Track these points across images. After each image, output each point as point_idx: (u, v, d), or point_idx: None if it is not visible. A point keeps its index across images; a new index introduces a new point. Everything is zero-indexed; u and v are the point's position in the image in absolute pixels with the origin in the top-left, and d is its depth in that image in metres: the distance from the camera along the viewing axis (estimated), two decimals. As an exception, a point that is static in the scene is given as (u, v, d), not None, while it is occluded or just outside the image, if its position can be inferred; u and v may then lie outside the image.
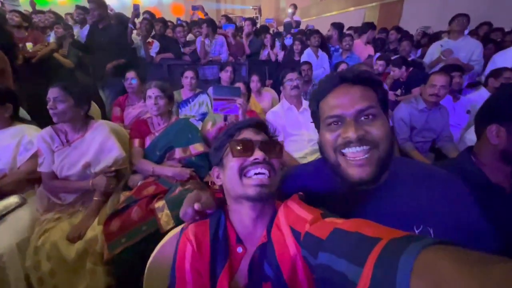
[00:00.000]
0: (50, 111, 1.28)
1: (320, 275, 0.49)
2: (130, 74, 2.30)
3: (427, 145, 2.11)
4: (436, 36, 3.83)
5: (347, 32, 4.26)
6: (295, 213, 0.62)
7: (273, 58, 3.81)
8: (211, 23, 3.46)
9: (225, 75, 2.66)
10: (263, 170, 0.63)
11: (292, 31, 5.20)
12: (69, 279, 1.18)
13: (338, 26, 3.90)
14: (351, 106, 0.60)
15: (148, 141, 1.60)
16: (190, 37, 4.29)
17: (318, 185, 0.72)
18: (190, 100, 2.50)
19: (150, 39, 3.49)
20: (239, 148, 0.65)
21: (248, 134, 0.68)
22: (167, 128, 1.63)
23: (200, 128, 1.86)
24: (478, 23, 3.88)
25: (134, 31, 3.49)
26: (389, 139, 0.60)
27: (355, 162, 0.60)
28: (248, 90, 1.96)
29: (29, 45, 3.09)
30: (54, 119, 1.30)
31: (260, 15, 9.81)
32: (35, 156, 1.36)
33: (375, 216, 0.56)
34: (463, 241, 0.37)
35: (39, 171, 1.34)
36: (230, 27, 3.79)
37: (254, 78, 2.67)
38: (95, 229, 1.24)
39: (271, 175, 0.63)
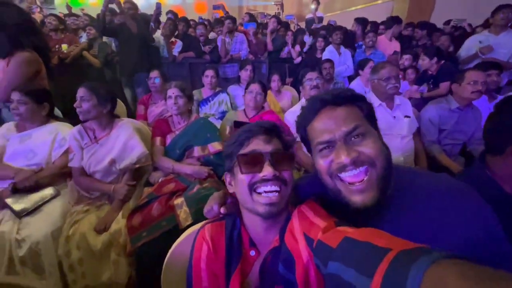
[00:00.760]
0: (77, 110, 1.38)
1: (330, 285, 0.49)
2: (154, 74, 2.39)
3: (457, 148, 1.98)
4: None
5: (371, 27, 4.06)
6: (310, 220, 0.61)
7: (294, 55, 3.76)
8: (231, 20, 3.49)
9: (245, 74, 2.67)
10: (273, 188, 0.61)
11: (314, 27, 5.08)
12: (95, 268, 1.26)
13: (361, 21, 3.75)
14: (337, 129, 0.59)
15: (168, 139, 1.66)
16: (212, 35, 4.36)
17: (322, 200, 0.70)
18: (210, 98, 2.55)
19: (173, 39, 3.60)
20: (247, 163, 0.63)
21: (257, 144, 0.65)
22: (187, 127, 1.68)
23: (219, 127, 1.89)
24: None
25: (158, 31, 3.62)
26: (384, 155, 0.58)
27: (355, 188, 0.57)
28: (264, 89, 1.95)
29: (64, 46, 3.33)
30: (80, 117, 1.40)
31: (282, 11, 9.70)
32: (67, 151, 1.47)
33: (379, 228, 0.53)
34: (482, 260, 0.35)
35: (69, 166, 1.45)
36: (252, 25, 3.79)
37: (275, 77, 2.66)
38: (119, 223, 1.32)
39: (281, 189, 0.62)
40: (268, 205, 0.60)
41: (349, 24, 4.30)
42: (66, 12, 5.18)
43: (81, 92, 1.38)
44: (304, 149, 1.83)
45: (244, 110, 2.00)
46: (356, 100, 0.63)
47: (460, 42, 3.07)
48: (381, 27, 4.09)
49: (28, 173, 1.38)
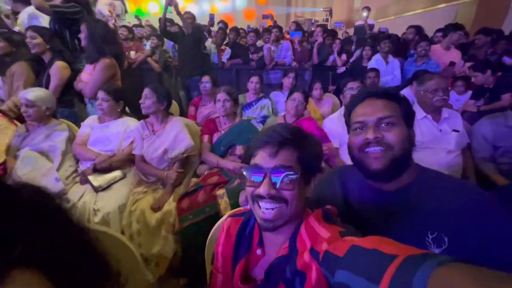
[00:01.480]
0: (141, 105, 1.68)
1: None
2: (205, 78, 2.66)
3: (515, 167, 1.80)
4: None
5: (424, 36, 3.77)
6: (315, 231, 0.61)
7: (338, 64, 3.74)
8: (279, 29, 3.66)
9: (287, 81, 2.78)
10: (268, 206, 0.60)
11: (362, 36, 4.94)
12: (149, 240, 1.50)
13: (416, 29, 3.56)
14: (373, 114, 0.72)
15: (215, 137, 1.87)
16: (259, 43, 4.59)
17: (353, 186, 0.82)
18: (253, 103, 2.72)
19: (223, 46, 3.91)
20: (250, 176, 0.62)
21: (261, 157, 0.62)
22: (231, 127, 1.86)
23: (259, 130, 2.04)
24: None
25: (209, 39, 3.97)
26: (403, 145, 0.69)
27: (373, 155, 0.71)
28: (306, 98, 2.02)
29: (132, 53, 3.87)
30: (143, 111, 1.69)
31: (331, 17, 9.56)
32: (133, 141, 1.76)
33: (396, 216, 0.65)
34: (490, 262, 0.38)
35: (133, 153, 1.73)
36: (297, 34, 3.88)
37: (317, 85, 2.72)
38: (170, 204, 1.55)
39: (280, 208, 0.60)
40: (264, 220, 0.61)
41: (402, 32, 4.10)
42: (133, 21, 5.98)
43: (145, 91, 1.67)
44: (341, 155, 1.87)
45: (284, 115, 2.11)
46: (398, 98, 0.74)
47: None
48: (438, 34, 3.80)
49: (105, 157, 1.70)
